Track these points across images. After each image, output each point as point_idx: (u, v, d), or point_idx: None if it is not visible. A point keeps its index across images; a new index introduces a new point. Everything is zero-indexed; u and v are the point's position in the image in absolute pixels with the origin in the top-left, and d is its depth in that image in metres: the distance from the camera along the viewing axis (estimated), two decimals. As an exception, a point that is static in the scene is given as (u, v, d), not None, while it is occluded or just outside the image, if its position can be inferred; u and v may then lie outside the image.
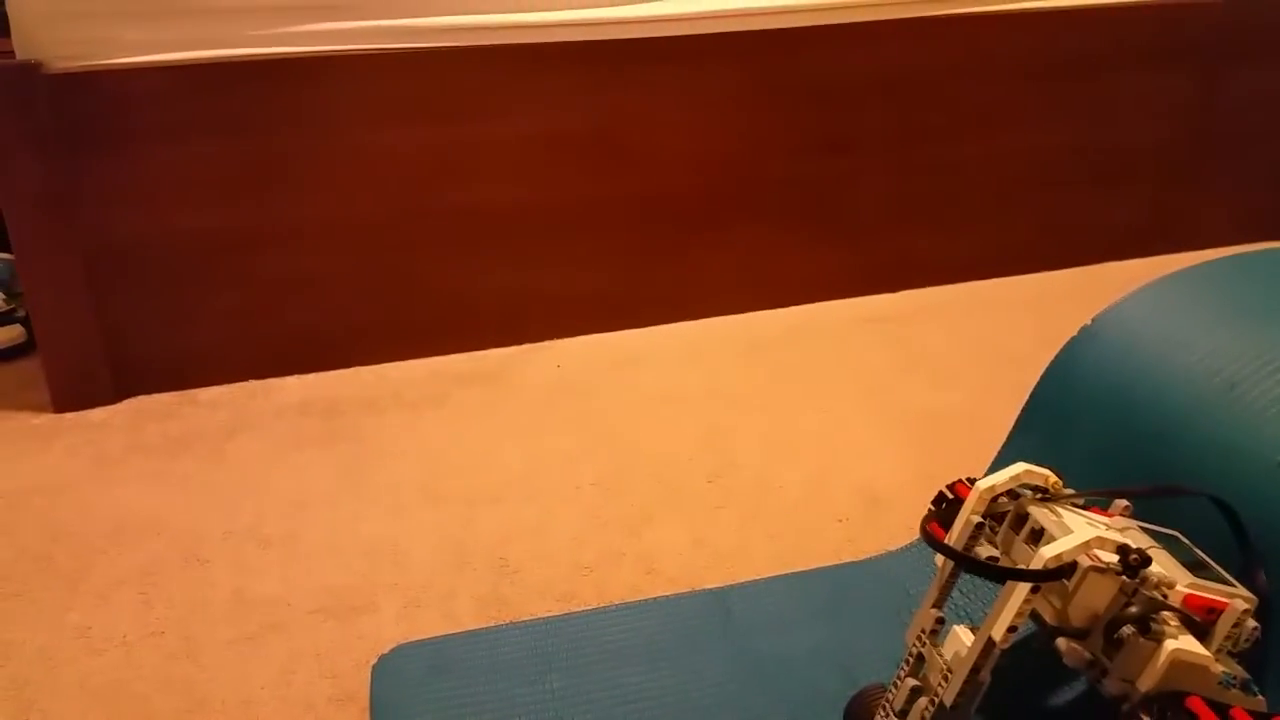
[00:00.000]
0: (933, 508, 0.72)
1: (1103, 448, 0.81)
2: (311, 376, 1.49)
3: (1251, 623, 0.62)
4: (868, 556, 0.98)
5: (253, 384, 1.47)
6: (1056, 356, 0.89)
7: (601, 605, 0.94)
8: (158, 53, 1.36)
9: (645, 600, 0.93)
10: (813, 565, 0.97)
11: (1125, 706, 0.58)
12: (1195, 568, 0.64)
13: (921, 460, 1.19)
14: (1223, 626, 0.60)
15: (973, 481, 0.71)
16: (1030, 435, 0.90)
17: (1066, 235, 1.83)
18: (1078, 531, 0.62)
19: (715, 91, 1.58)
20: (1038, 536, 0.64)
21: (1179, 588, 0.61)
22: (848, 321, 1.63)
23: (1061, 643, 0.61)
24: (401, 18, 1.42)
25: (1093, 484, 0.77)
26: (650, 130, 1.57)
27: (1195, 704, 0.56)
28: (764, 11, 1.57)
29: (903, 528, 1.03)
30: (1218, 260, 0.90)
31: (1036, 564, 0.60)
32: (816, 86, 1.62)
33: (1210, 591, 0.61)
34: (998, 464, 0.93)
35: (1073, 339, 0.88)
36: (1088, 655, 0.61)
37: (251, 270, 1.46)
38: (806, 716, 0.78)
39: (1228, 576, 0.64)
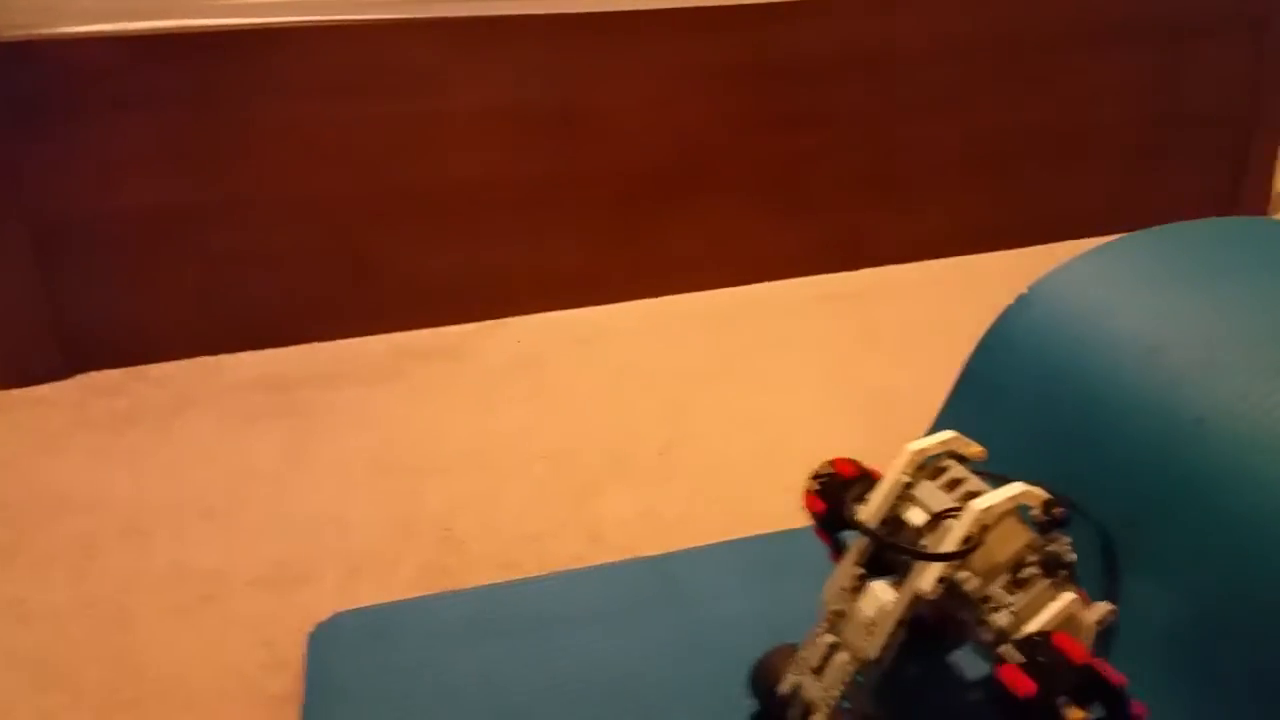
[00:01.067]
0: (814, 483, 0.71)
1: (1032, 412, 0.81)
2: (266, 352, 1.47)
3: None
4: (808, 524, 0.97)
5: (205, 360, 1.45)
6: (992, 325, 0.89)
7: (544, 573, 0.93)
8: (108, 22, 1.34)
9: (587, 567, 0.92)
10: (758, 532, 0.97)
11: (1001, 647, 0.58)
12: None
13: (871, 433, 1.19)
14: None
15: (821, 486, 0.71)
16: (965, 401, 0.90)
17: (1026, 214, 1.83)
18: (1007, 485, 0.62)
19: (677, 67, 1.57)
20: (955, 485, 0.64)
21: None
22: (807, 298, 1.62)
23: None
24: (358, -12, 1.40)
25: (1022, 446, 0.77)
26: (611, 105, 1.56)
27: (1060, 639, 0.56)
28: (725, -14, 1.56)
29: (850, 497, 1.03)
30: (1149, 230, 0.90)
31: (966, 515, 0.60)
32: (778, 63, 1.61)
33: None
34: (935, 426, 0.92)
35: (1008, 308, 0.88)
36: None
37: (205, 245, 1.44)
38: (743, 680, 0.77)
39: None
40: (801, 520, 1.00)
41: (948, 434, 0.67)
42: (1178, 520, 0.69)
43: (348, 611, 0.88)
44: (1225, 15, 1.80)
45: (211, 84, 1.37)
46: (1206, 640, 0.65)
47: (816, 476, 0.72)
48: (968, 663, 0.73)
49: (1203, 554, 0.66)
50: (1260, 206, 1.95)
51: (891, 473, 0.66)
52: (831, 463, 0.72)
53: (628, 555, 0.96)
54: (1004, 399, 0.85)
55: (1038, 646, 0.56)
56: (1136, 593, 0.70)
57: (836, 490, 0.71)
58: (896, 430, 1.19)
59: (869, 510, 0.65)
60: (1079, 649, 0.55)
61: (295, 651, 0.86)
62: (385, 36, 1.43)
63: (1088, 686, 0.55)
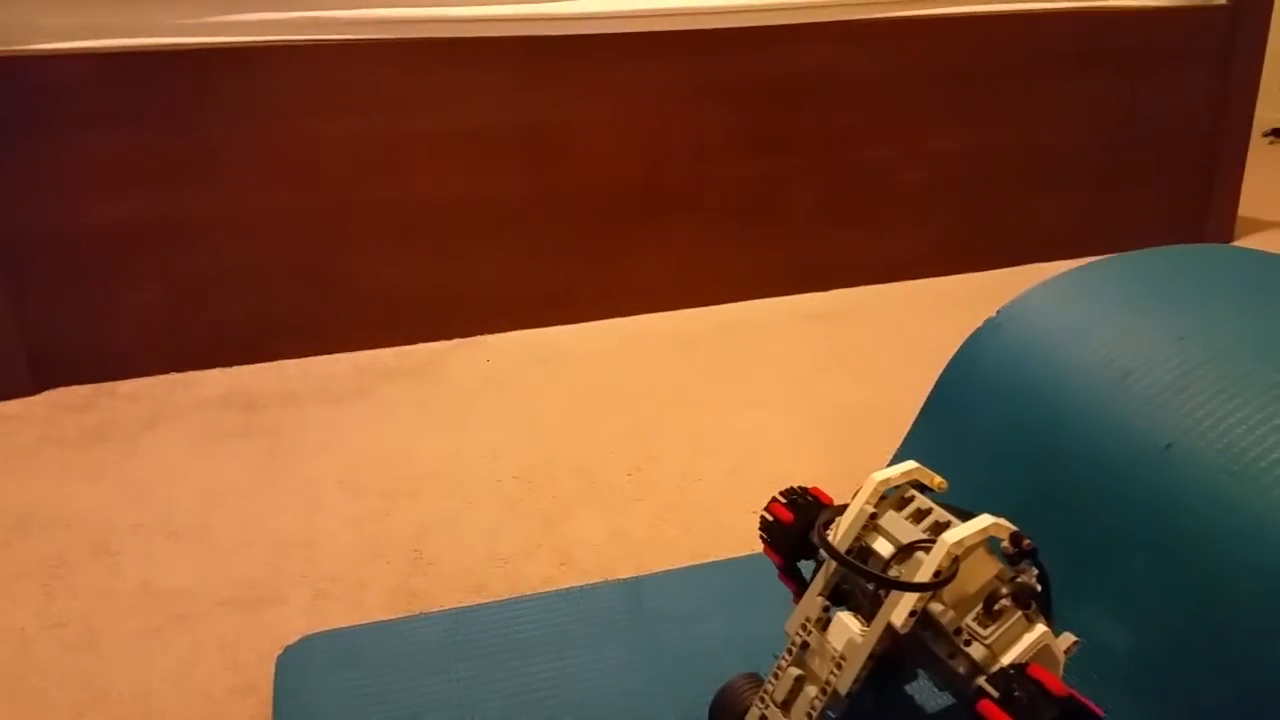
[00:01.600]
0: (763, 534, 0.73)
1: (1001, 434, 0.82)
2: (234, 370, 1.47)
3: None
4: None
5: (173, 377, 1.45)
6: (961, 348, 0.90)
7: (513, 596, 0.94)
8: (77, 39, 1.34)
9: (556, 591, 0.92)
10: (726, 556, 0.97)
11: (978, 680, 0.58)
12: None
13: (840, 454, 1.20)
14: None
15: (790, 500, 0.72)
16: (933, 423, 0.91)
17: (994, 237, 1.85)
18: (977, 518, 0.63)
19: (648, 90, 1.58)
20: (922, 516, 0.65)
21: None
22: (778, 319, 1.63)
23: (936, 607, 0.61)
24: (331, 9, 1.41)
25: (990, 469, 0.78)
26: (582, 128, 1.57)
27: (1036, 671, 0.57)
28: (697, 11, 1.58)
29: (818, 520, 1.04)
30: (1118, 256, 0.92)
31: (939, 549, 0.61)
32: (750, 87, 1.63)
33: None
34: (903, 450, 0.94)
35: (977, 331, 0.89)
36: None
37: (174, 262, 1.44)
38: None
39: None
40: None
41: (910, 464, 0.68)
42: (1146, 543, 0.70)
43: (316, 634, 0.88)
44: (1189, 42, 1.84)
45: (180, 103, 1.37)
46: (1175, 666, 0.66)
47: (785, 493, 0.72)
48: (921, 693, 0.74)
49: (1170, 577, 0.67)
50: (1226, 232, 1.98)
51: (856, 502, 0.66)
52: (769, 508, 0.73)
53: (598, 578, 0.97)
54: (972, 421, 0.86)
55: (1015, 680, 0.56)
56: (1105, 620, 0.71)
57: (807, 509, 0.71)
58: (866, 451, 1.21)
59: (836, 538, 0.66)
60: (1056, 681, 0.56)
61: (263, 674, 0.86)
62: (353, 58, 1.43)
63: (1067, 718, 0.55)
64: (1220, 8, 1.86)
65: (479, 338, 1.60)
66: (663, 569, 0.96)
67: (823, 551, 0.65)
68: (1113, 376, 0.77)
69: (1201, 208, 1.96)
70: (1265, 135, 3.37)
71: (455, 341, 1.58)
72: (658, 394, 1.37)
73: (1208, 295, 0.84)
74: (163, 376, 1.45)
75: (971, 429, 0.86)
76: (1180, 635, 0.66)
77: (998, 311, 0.89)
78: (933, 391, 0.92)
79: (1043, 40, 1.76)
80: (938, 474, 0.68)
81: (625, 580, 0.93)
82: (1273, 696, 0.60)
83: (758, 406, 1.33)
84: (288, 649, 0.86)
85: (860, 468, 1.14)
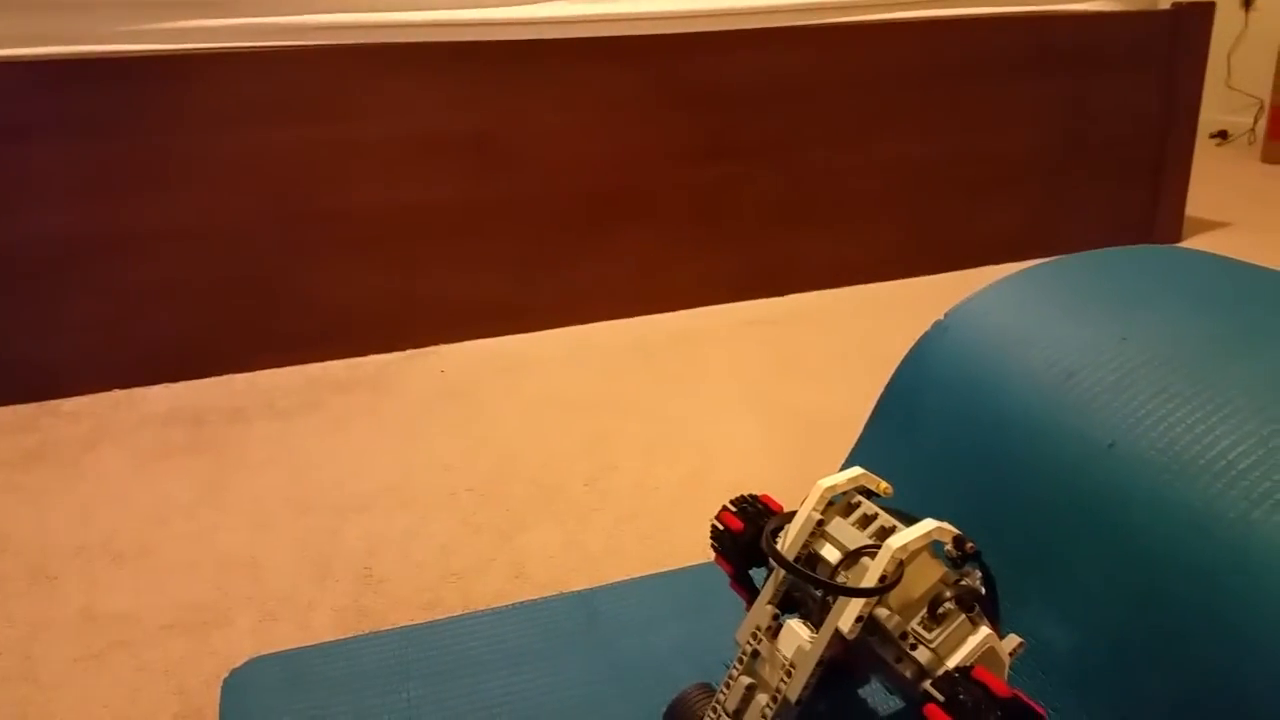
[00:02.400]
0: (714, 543, 0.72)
1: (949, 434, 0.82)
2: (179, 385, 1.44)
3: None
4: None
5: (117, 394, 1.42)
6: (910, 350, 0.90)
7: (466, 612, 0.92)
8: (8, 47, 1.31)
9: (510, 605, 0.91)
10: (682, 565, 0.96)
11: (924, 684, 0.58)
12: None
13: (795, 459, 1.19)
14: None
15: (740, 509, 0.71)
16: (884, 424, 0.91)
17: (945, 240, 1.86)
18: (921, 522, 0.62)
19: (599, 97, 1.57)
20: (868, 521, 0.64)
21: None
22: (732, 325, 1.63)
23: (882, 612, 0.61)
24: (270, 15, 1.38)
25: (940, 469, 0.78)
26: (534, 134, 1.56)
27: (980, 673, 0.57)
28: (648, 17, 1.57)
29: (774, 527, 1.03)
30: (1063, 259, 0.92)
31: (884, 554, 0.60)
32: (701, 93, 1.63)
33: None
34: (855, 452, 0.93)
35: (926, 333, 0.89)
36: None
37: (116, 276, 1.41)
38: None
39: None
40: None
41: (856, 470, 0.68)
42: (1090, 540, 0.70)
43: (263, 656, 0.86)
44: (1134, 46, 1.86)
45: (119, 112, 1.34)
46: (1118, 663, 0.66)
47: (735, 501, 0.72)
48: (874, 697, 0.74)
49: (1113, 574, 0.67)
50: (1173, 232, 2.00)
51: (804, 509, 0.66)
52: (720, 517, 0.73)
53: (553, 590, 0.96)
54: (922, 423, 0.86)
55: (960, 682, 0.56)
56: (1050, 617, 0.71)
57: (757, 517, 0.71)
58: (821, 456, 1.20)
59: (785, 545, 0.65)
60: (1000, 683, 0.56)
61: (209, 699, 0.84)
62: (298, 64, 1.41)
63: (1011, 719, 0.55)
64: (1163, 13, 1.88)
65: (433, 348, 1.58)
66: (618, 579, 0.95)
67: (771, 559, 0.64)
68: (1057, 377, 0.77)
69: (1149, 209, 1.98)
70: (1211, 137, 3.42)
71: (409, 352, 1.56)
72: (614, 403, 1.36)
73: (1151, 297, 0.85)
74: (105, 394, 1.42)
75: (921, 430, 0.85)
76: (1123, 632, 0.66)
77: (946, 314, 0.89)
78: (883, 394, 0.92)
79: (991, 45, 1.77)
80: (885, 479, 0.68)
81: (579, 592, 0.92)
82: (1214, 692, 0.60)
83: (714, 414, 1.32)
84: (234, 672, 0.84)
85: (816, 472, 1.13)
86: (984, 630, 0.60)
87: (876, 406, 0.93)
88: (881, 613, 0.61)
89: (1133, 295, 0.86)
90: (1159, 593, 0.65)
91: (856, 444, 0.93)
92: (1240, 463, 0.64)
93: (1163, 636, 0.64)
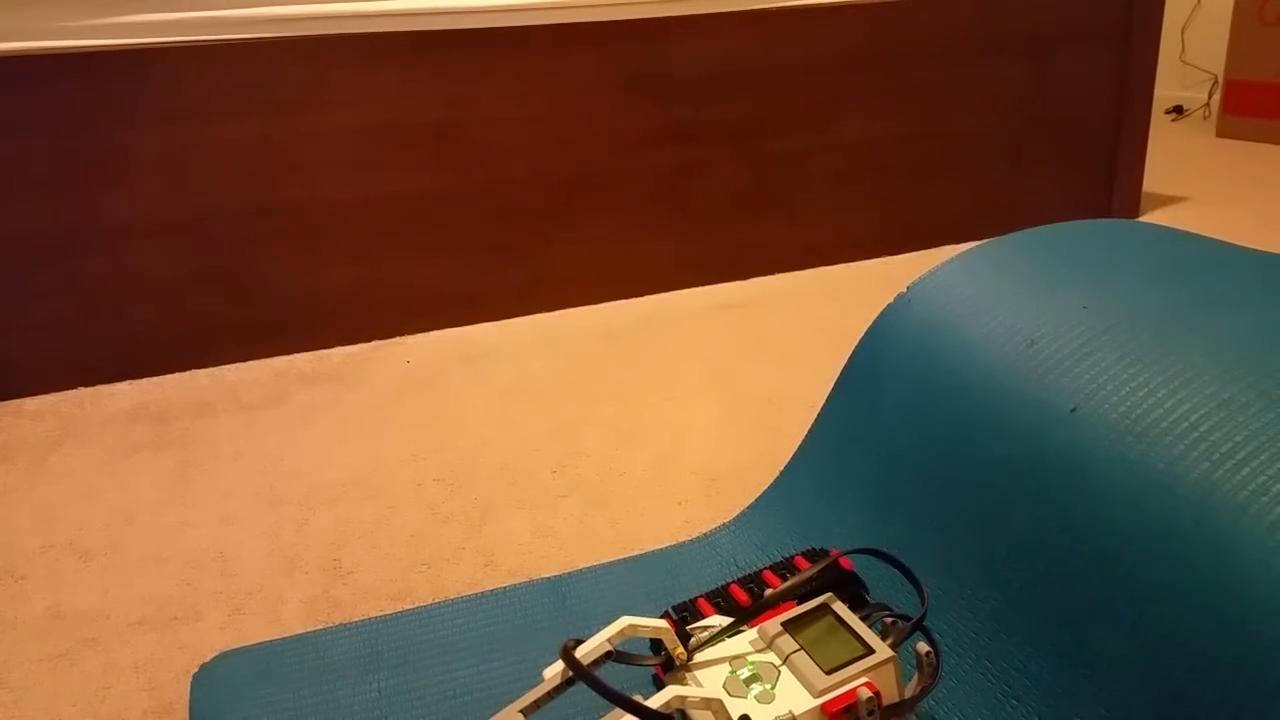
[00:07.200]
0: (672, 615, 0.76)
1: (910, 403, 0.83)
2: (144, 381, 1.43)
3: (924, 647, 0.65)
4: (697, 535, 0.98)
5: (81, 392, 1.41)
6: (873, 324, 0.91)
7: (436, 601, 0.92)
8: (-40, 45, 1.29)
9: (479, 593, 0.91)
10: (651, 548, 0.97)
11: None
12: (838, 645, 0.64)
13: (762, 441, 1.20)
14: (863, 711, 0.60)
15: (716, 601, 0.74)
16: (847, 396, 0.92)
17: (906, 220, 1.87)
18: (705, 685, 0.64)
19: (559, 83, 1.57)
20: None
21: (813, 704, 0.60)
22: (698, 309, 1.63)
23: None
24: (227, 8, 1.37)
25: (902, 438, 0.78)
26: (494, 122, 1.55)
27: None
28: (606, 3, 1.57)
29: (739, 507, 1.04)
30: (1026, 232, 0.93)
31: (665, 694, 0.60)
32: (661, 78, 1.63)
33: (842, 683, 0.61)
34: (819, 425, 0.94)
35: (888, 306, 0.90)
36: None
37: (75, 272, 1.39)
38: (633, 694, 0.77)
39: (868, 634, 0.64)
40: (693, 531, 1.01)
41: (623, 622, 0.67)
42: (1053, 502, 0.71)
43: (233, 650, 0.85)
44: (1089, 24, 1.87)
45: (72, 108, 1.33)
46: (1080, 624, 0.67)
47: (678, 609, 0.75)
48: None
49: (1076, 536, 0.68)
50: (1131, 207, 2.03)
51: (600, 636, 0.66)
52: (694, 600, 0.76)
53: (523, 577, 0.96)
54: (884, 393, 0.87)
55: None
56: (1010, 575, 0.72)
57: (686, 618, 0.74)
58: (787, 437, 1.21)
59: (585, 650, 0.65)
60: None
61: (180, 694, 0.84)
62: (257, 56, 1.40)
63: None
64: (1118, -12, 1.90)
65: (398, 339, 1.57)
66: (588, 565, 0.95)
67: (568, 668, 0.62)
68: (1019, 345, 0.78)
69: (1107, 185, 2.00)
70: (1167, 113, 3.46)
71: (374, 343, 1.56)
72: (581, 389, 1.36)
73: (1112, 268, 0.86)
74: (69, 392, 1.41)
75: (884, 400, 0.86)
76: (1085, 591, 0.67)
77: (909, 287, 0.90)
78: (846, 365, 0.93)
79: (947, 25, 1.78)
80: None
81: (549, 578, 0.92)
82: (1178, 650, 0.61)
83: (680, 397, 1.33)
84: (203, 666, 0.84)
85: (783, 453, 1.14)
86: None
87: (839, 379, 0.94)
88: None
89: (1094, 266, 0.87)
90: (1120, 552, 0.66)
91: (819, 415, 0.94)
92: (1202, 424, 0.65)
93: (1123, 593, 0.65)
